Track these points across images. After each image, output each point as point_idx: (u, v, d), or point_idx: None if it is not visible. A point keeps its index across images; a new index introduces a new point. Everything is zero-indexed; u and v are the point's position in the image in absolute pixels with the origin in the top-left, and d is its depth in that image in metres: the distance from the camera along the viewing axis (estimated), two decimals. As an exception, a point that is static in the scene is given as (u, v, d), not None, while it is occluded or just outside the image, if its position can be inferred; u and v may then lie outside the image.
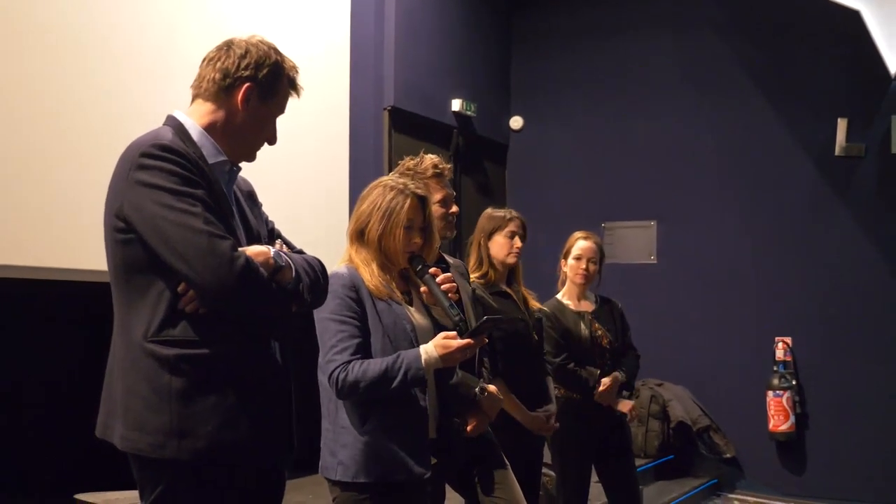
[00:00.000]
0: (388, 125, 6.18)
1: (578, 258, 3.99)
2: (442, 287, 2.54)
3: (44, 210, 3.86)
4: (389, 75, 6.16)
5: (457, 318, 2.49)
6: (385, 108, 6.16)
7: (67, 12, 4.00)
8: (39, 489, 4.24)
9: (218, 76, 1.98)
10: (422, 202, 2.59)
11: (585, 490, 3.92)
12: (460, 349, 2.45)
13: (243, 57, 1.98)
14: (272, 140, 2.07)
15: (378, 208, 2.53)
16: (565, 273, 4.03)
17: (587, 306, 4.02)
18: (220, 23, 4.73)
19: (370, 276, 2.51)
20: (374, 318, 2.48)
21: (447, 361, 2.47)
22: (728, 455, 6.66)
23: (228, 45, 2.01)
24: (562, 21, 7.58)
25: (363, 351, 2.44)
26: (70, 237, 3.93)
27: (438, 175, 3.07)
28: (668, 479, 6.53)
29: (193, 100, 2.03)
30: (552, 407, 3.53)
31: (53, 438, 4.38)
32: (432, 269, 2.57)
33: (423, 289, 2.59)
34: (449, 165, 3.16)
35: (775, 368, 6.58)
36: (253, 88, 1.98)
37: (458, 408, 2.81)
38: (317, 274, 2.03)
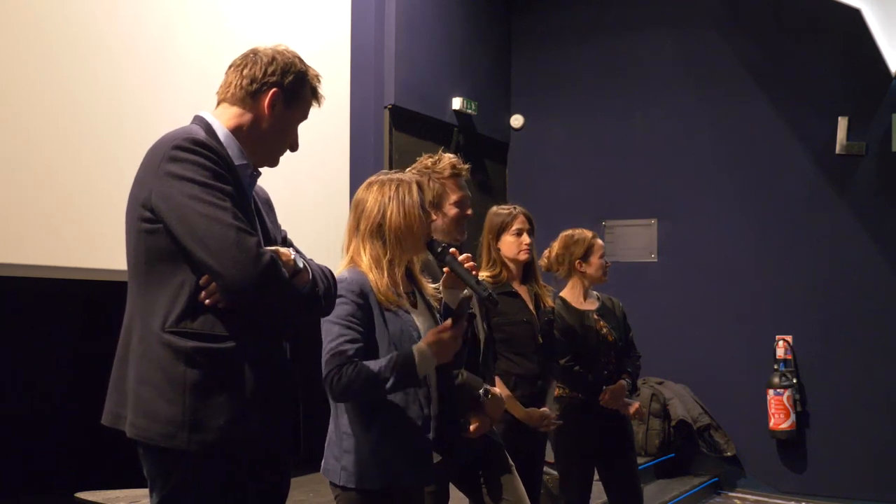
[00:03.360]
0: (389, 123, 6.18)
1: (602, 256, 4.00)
2: (465, 266, 2.51)
3: (42, 208, 3.86)
4: (390, 74, 6.16)
5: (486, 294, 2.45)
6: (385, 107, 6.16)
7: (67, 12, 4.00)
8: (39, 488, 4.25)
9: (245, 81, 2.04)
10: (420, 188, 2.58)
11: (588, 489, 3.91)
12: (452, 337, 2.39)
13: (270, 63, 2.04)
14: (294, 146, 2.14)
15: (391, 201, 2.51)
16: (583, 273, 3.99)
17: (591, 304, 4.02)
18: (220, 22, 4.73)
19: (379, 279, 2.47)
20: (381, 327, 2.44)
21: (440, 355, 2.40)
22: (729, 453, 6.65)
23: (255, 53, 2.08)
24: (562, 19, 7.58)
25: (363, 356, 2.38)
26: (70, 236, 3.93)
27: (456, 176, 3.06)
28: (669, 477, 6.54)
29: (219, 104, 2.08)
30: (547, 411, 3.51)
31: (53, 437, 4.39)
32: (451, 250, 2.55)
33: (445, 270, 2.56)
34: (467, 166, 3.12)
35: (776, 367, 6.58)
36: (279, 94, 2.04)
37: (462, 409, 2.80)
38: (329, 282, 2.07)
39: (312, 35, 5.35)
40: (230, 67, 2.09)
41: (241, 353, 1.90)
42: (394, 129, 6.22)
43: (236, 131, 2.03)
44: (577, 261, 3.97)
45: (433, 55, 6.64)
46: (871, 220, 6.47)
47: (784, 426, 6.47)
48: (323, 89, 2.15)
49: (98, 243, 4.03)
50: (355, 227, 2.55)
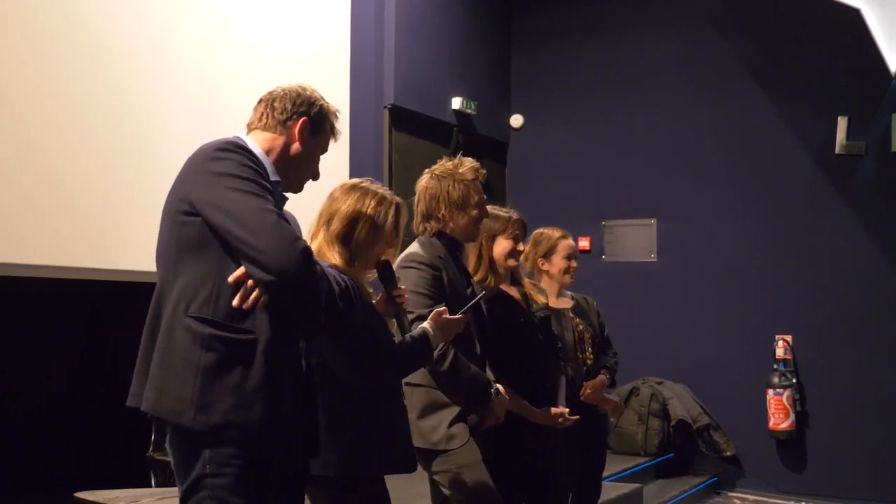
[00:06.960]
0: (389, 123, 6.19)
1: (568, 257, 3.97)
2: (397, 299, 2.60)
3: (42, 208, 3.86)
4: (389, 73, 6.16)
5: (410, 327, 2.62)
6: (385, 107, 6.16)
7: (67, 12, 4.01)
8: (39, 487, 4.25)
9: (277, 112, 2.24)
10: (397, 210, 2.59)
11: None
12: (458, 322, 2.65)
13: (298, 96, 2.27)
14: (317, 175, 2.32)
15: (365, 214, 2.51)
16: (544, 272, 3.97)
17: (565, 303, 4.02)
18: (220, 22, 4.72)
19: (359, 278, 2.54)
20: (370, 314, 2.51)
21: (446, 333, 2.63)
22: (728, 453, 6.66)
23: (282, 89, 2.29)
24: (562, 19, 7.58)
25: None
26: (70, 235, 3.93)
27: (476, 180, 3.11)
28: (669, 477, 6.54)
29: (250, 131, 2.25)
30: (562, 409, 3.48)
31: (54, 437, 4.39)
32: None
33: (380, 297, 2.60)
34: (484, 171, 3.21)
35: (775, 366, 6.58)
36: (307, 123, 2.25)
37: (471, 406, 2.93)
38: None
39: (312, 35, 5.35)
40: (259, 102, 2.28)
41: (257, 346, 2.01)
42: (393, 129, 6.22)
43: (268, 153, 2.20)
44: (539, 259, 3.95)
45: (433, 55, 6.64)
46: (871, 220, 6.48)
47: (783, 426, 6.47)
48: (339, 125, 2.38)
49: (98, 243, 4.03)
50: (326, 223, 2.54)
